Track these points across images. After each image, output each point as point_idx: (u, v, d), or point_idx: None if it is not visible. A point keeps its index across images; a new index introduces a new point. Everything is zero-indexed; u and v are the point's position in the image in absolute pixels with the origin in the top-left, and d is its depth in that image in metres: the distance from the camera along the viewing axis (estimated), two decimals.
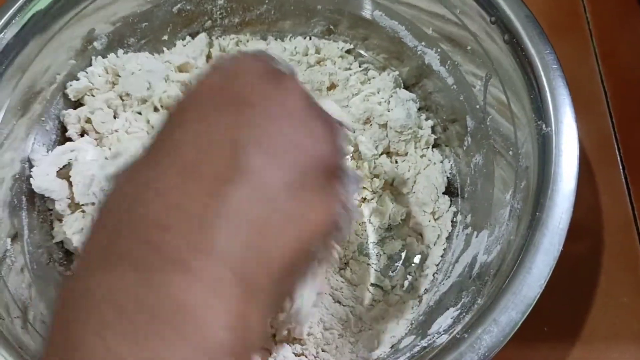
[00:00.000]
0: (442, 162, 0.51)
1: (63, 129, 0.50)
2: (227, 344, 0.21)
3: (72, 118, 0.49)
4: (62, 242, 0.47)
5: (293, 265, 0.25)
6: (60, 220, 0.47)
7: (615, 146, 0.52)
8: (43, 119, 0.47)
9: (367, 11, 0.51)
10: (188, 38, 0.54)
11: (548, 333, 0.46)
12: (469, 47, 0.45)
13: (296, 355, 0.44)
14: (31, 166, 0.46)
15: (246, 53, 0.30)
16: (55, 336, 0.22)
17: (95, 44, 0.49)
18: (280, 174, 0.25)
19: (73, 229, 0.46)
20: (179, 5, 0.51)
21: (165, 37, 0.53)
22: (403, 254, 0.49)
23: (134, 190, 0.24)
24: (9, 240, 0.42)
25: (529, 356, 0.45)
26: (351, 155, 0.51)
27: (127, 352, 0.20)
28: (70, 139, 0.50)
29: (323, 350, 0.45)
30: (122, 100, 0.50)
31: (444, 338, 0.35)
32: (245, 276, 0.23)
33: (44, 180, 0.45)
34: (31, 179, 0.45)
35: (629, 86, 0.55)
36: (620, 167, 0.52)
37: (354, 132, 0.36)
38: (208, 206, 0.23)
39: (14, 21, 0.42)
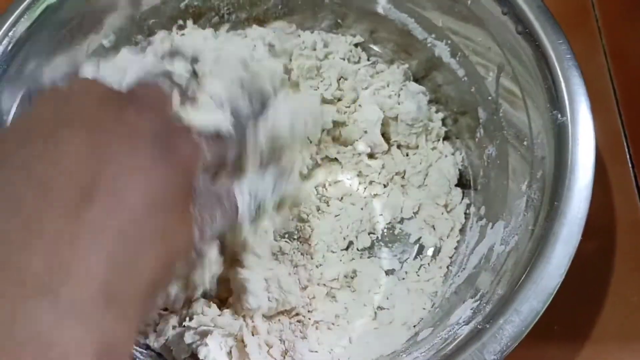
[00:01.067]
0: (453, 154, 0.51)
1: None
2: None
3: None
4: None
5: (158, 280, 0.25)
6: None
7: (625, 144, 0.52)
8: None
9: (376, 4, 0.51)
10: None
11: (557, 332, 0.46)
12: (480, 39, 0.45)
13: (311, 351, 0.44)
14: None
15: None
16: None
17: (103, 41, 0.49)
18: (140, 194, 0.24)
19: None
20: (186, 1, 0.51)
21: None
22: (416, 247, 0.49)
23: None
24: None
25: (538, 355, 0.45)
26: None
27: None
28: None
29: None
30: None
31: (465, 329, 0.35)
32: (112, 294, 0.22)
33: None
34: None
35: (638, 83, 0.54)
36: (630, 165, 0.51)
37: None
38: (68, 224, 0.22)
39: (25, 16, 0.42)
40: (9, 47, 0.42)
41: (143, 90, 0.29)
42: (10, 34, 0.42)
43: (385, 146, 0.50)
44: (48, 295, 0.20)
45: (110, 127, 0.25)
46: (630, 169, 0.51)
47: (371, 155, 0.51)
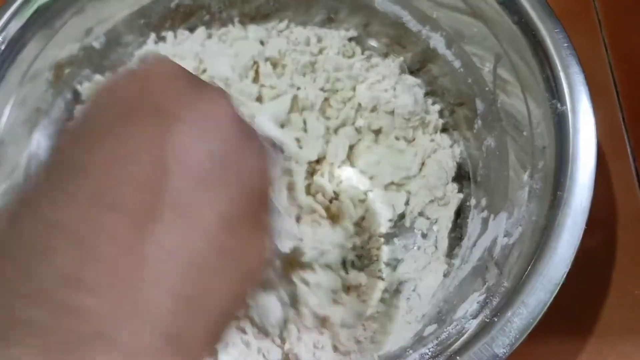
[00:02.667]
0: (451, 147, 0.50)
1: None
2: None
3: None
4: None
5: (230, 310, 0.22)
6: None
7: (626, 137, 0.52)
8: (44, 123, 0.46)
9: None
10: (187, 33, 0.53)
11: (559, 326, 0.46)
12: (475, 29, 0.44)
13: (315, 346, 0.44)
14: None
15: (158, 57, 0.25)
16: None
17: (94, 43, 0.48)
18: (216, 207, 0.21)
19: None
20: (177, 1, 0.50)
21: (164, 34, 0.52)
22: (416, 240, 0.49)
23: (35, 232, 0.19)
24: None
25: (540, 350, 0.45)
26: None
27: None
28: None
29: (341, 343, 0.44)
30: None
31: (473, 323, 0.34)
32: (177, 336, 0.20)
33: None
34: None
35: (638, 76, 0.54)
36: (631, 158, 0.51)
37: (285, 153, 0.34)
38: (134, 254, 0.19)
39: (17, 16, 0.42)
40: (2, 48, 0.41)
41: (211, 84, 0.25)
42: (1, 36, 0.41)
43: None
44: (105, 342, 0.18)
45: (183, 118, 0.22)
46: (631, 162, 0.51)
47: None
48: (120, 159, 0.20)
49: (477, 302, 0.37)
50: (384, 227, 0.49)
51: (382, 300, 0.46)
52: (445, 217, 0.49)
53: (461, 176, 0.50)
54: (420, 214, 0.50)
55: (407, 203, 0.50)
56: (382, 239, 0.49)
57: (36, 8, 0.42)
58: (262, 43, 0.53)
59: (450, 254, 0.47)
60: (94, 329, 0.18)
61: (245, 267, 0.22)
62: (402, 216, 0.49)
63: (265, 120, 0.27)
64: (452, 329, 0.36)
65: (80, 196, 0.20)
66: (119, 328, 0.18)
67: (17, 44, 0.42)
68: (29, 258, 0.19)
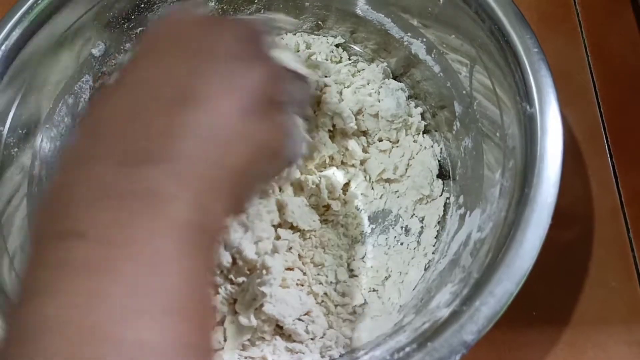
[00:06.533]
0: (432, 147, 0.53)
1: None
2: (187, 225, 0.26)
3: None
4: None
5: (245, 175, 0.30)
6: None
7: (604, 135, 0.54)
8: (47, 126, 0.49)
9: (354, 5, 0.53)
10: None
11: (537, 317, 0.48)
12: (452, 36, 0.47)
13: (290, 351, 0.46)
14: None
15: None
16: (51, 209, 0.27)
17: (93, 51, 0.51)
18: (232, 101, 0.30)
19: None
20: (170, 11, 0.53)
21: None
22: (401, 236, 0.51)
23: (121, 114, 0.29)
24: None
25: (518, 340, 0.47)
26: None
27: (110, 221, 0.25)
28: None
29: (322, 337, 0.46)
30: None
31: (445, 312, 0.37)
32: (205, 176, 0.28)
33: None
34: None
35: (617, 76, 0.56)
36: (608, 156, 0.53)
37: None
38: (172, 123, 0.28)
39: (20, 23, 0.44)
40: (6, 54, 0.44)
41: (245, 22, 0.36)
42: (6, 41, 0.44)
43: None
44: (154, 164, 0.27)
45: (205, 50, 0.32)
46: (609, 159, 0.53)
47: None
48: (171, 72, 0.30)
49: (450, 293, 0.39)
50: (368, 224, 0.52)
51: (368, 292, 0.49)
52: (433, 214, 0.51)
53: (442, 175, 0.52)
54: (406, 211, 0.52)
55: (394, 202, 0.52)
56: (367, 235, 0.51)
57: (35, 15, 0.45)
58: None
59: (432, 248, 0.50)
60: (149, 157, 0.27)
61: (254, 146, 0.30)
62: (388, 213, 0.52)
63: (286, 55, 0.35)
64: (426, 318, 0.39)
65: (142, 95, 0.29)
66: (163, 160, 0.27)
67: (20, 50, 0.44)
68: (116, 125, 0.29)
